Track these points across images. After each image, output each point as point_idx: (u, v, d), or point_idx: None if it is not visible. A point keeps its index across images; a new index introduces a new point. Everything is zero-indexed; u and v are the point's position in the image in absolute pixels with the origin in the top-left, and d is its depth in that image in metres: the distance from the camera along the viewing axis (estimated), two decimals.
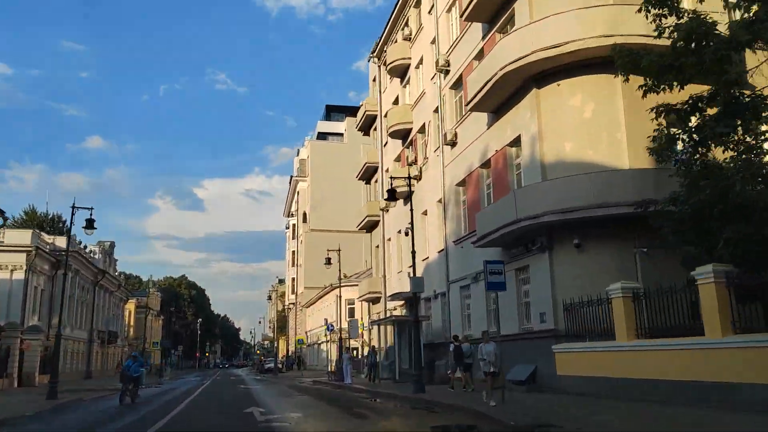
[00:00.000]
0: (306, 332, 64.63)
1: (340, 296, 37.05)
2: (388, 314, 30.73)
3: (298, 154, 75.19)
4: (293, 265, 75.03)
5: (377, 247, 35.37)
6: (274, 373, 46.99)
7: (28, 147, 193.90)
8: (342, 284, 34.47)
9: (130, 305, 72.94)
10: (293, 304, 76.31)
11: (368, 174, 37.42)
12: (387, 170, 32.98)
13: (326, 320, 36.88)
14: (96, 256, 47.80)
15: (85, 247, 46.50)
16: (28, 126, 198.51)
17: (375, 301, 35.26)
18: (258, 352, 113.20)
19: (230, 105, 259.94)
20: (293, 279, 74.97)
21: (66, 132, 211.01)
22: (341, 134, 72.52)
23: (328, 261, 34.23)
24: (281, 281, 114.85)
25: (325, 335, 49.32)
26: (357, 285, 44.83)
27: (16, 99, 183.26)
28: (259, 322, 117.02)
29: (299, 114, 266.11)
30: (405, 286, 26.14)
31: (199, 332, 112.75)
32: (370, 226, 36.32)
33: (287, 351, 77.76)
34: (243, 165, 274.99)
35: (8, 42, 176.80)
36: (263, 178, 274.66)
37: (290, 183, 76.18)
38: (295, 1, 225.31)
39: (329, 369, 41.02)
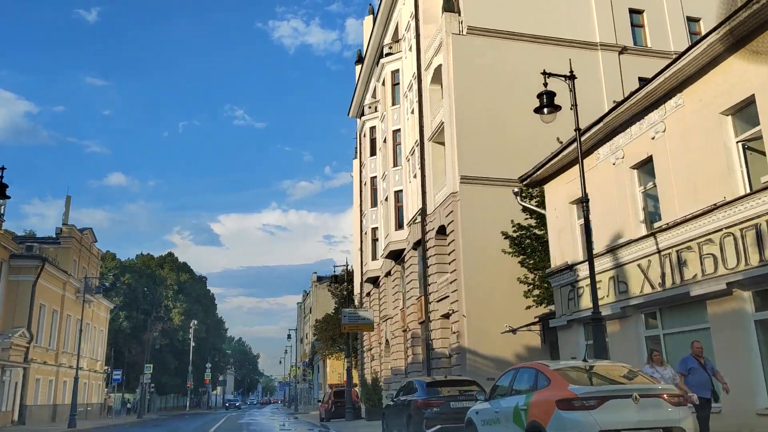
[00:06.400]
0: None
1: None
2: None
3: None
4: (373, 205, 34.57)
5: None
6: None
7: (50, 183, 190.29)
8: None
9: None
10: (363, 294, 35.81)
11: None
12: None
13: None
14: None
15: None
16: (51, 162, 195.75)
17: None
18: (305, 369, 70.97)
19: (248, 140, 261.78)
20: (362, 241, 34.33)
21: (88, 168, 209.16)
22: None
23: None
24: (320, 278, 74.17)
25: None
26: None
27: (40, 136, 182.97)
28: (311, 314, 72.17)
29: (316, 149, 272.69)
30: None
31: (192, 344, 71.12)
32: None
33: (360, 377, 36.07)
34: (260, 200, 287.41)
35: (34, 79, 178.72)
36: (280, 212, 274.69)
37: None
38: (313, 38, 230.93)
39: None
